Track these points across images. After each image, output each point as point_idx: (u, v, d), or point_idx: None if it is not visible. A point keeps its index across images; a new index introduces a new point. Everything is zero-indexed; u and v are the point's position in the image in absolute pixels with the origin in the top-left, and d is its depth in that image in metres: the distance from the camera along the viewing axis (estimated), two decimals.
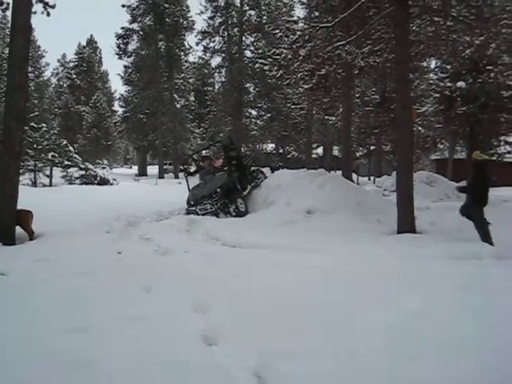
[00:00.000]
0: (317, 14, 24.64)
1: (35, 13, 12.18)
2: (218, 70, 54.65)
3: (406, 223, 11.99)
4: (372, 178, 43.82)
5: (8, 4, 13.14)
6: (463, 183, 12.28)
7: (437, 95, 26.12)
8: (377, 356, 4.35)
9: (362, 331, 4.89)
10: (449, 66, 25.06)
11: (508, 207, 21.24)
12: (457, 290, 6.24)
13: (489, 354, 4.31)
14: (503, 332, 4.85)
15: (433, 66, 29.91)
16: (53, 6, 13.64)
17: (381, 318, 5.22)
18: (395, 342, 4.61)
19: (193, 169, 19.35)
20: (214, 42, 51.78)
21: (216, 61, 53.34)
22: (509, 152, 28.60)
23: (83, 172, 35.28)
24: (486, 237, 10.52)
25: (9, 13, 12.23)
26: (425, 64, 28.46)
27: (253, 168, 17.73)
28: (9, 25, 14.79)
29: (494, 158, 29.23)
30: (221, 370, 4.11)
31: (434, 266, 7.72)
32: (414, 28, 15.34)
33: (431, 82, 29.19)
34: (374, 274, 7.26)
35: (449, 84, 24.43)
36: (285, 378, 3.98)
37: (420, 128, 34.28)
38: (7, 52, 11.46)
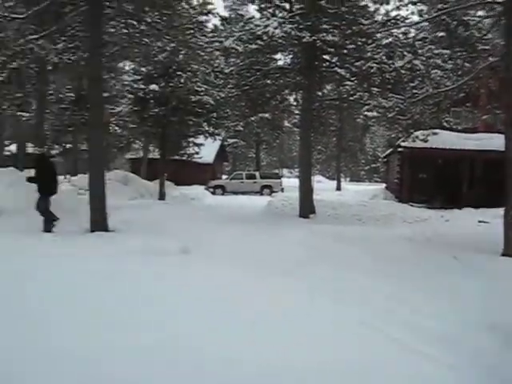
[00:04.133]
0: (11, 3, 23.46)
1: None
2: None
3: (99, 221, 12.15)
4: (68, 176, 43.01)
5: None
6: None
7: (131, 96, 26.76)
8: None
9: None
10: (143, 69, 25.79)
11: (195, 204, 22.92)
12: (142, 284, 6.52)
13: None
14: None
15: (128, 67, 30.54)
16: None
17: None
18: None
19: None
20: None
21: None
22: (197, 153, 30.75)
23: None
24: (48, 226, 11.85)
25: None
26: (121, 65, 28.94)
27: None
28: None
29: (185, 158, 31.10)
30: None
31: (123, 263, 7.88)
32: (111, 29, 15.49)
33: (126, 83, 29.74)
34: (62, 274, 7.18)
35: (142, 86, 25.16)
36: None
37: (116, 128, 34.66)
38: None
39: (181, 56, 18.89)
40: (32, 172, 12.57)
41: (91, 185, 12.61)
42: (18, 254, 8.08)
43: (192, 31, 15.11)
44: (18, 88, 22.81)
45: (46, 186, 12.09)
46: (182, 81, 23.55)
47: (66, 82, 33.36)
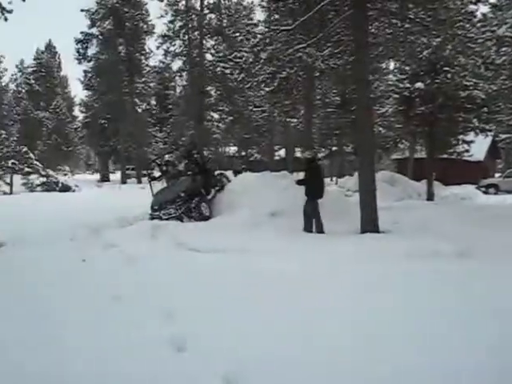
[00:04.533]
0: (277, 16, 24.76)
1: None
2: (179, 74, 54.39)
3: (369, 223, 12.12)
4: (334, 178, 44.12)
5: None
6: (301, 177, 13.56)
7: (396, 96, 26.42)
8: (352, 355, 4.40)
9: (334, 331, 4.93)
10: (407, 68, 25.35)
11: (466, 205, 21.68)
12: (421, 288, 6.35)
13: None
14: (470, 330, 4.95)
15: (392, 67, 30.31)
16: (10, 11, 13.40)
17: (350, 318, 5.27)
18: (369, 342, 4.67)
19: (156, 173, 19.21)
20: (174, 45, 51.53)
21: (177, 64, 53.26)
22: (467, 151, 29.08)
23: (44, 179, 34.85)
24: (308, 226, 12.34)
25: None
26: (384, 65, 28.85)
27: (216, 172, 17.71)
28: None
29: (453, 156, 29.78)
30: (190, 377, 4.10)
31: (397, 265, 7.81)
32: (373, 30, 15.50)
33: (390, 83, 29.52)
34: (339, 274, 7.32)
35: (407, 85, 24.72)
36: (255, 381, 3.99)
37: (381, 128, 34.65)
38: None
39: (447, 50, 18.17)
40: (301, 175, 13.12)
41: (361, 186, 12.68)
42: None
43: (460, 23, 14.43)
44: (287, 96, 23.87)
45: (314, 189, 12.51)
46: (449, 76, 22.65)
47: (331, 87, 34.25)
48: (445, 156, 29.50)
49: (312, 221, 12.36)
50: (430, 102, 23.21)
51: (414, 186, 27.76)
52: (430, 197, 24.62)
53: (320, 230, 12.26)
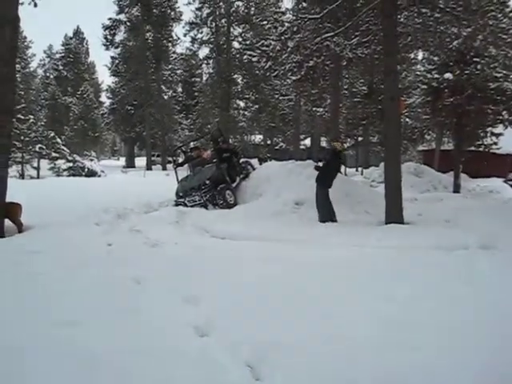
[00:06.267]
0: (304, 5, 24.61)
1: (22, 4, 12.04)
2: (205, 61, 54.45)
3: (394, 214, 12.04)
4: (360, 169, 43.91)
5: None
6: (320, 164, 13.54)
7: (424, 86, 26.10)
8: (372, 345, 4.42)
9: (354, 320, 4.95)
10: (436, 58, 25.02)
11: (494, 198, 21.43)
12: (445, 280, 6.33)
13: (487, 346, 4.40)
14: (492, 322, 4.94)
15: (420, 57, 29.94)
16: None
17: (371, 308, 5.28)
18: (389, 331, 4.68)
19: (181, 160, 19.31)
20: (201, 33, 51.65)
21: (204, 52, 53.46)
22: (495, 143, 28.65)
23: (71, 164, 35.21)
24: (324, 216, 12.13)
25: None
26: (412, 55, 28.48)
27: (241, 159, 17.74)
28: None
29: (481, 149, 29.38)
30: (213, 362, 4.14)
31: (423, 256, 7.80)
32: (402, 20, 15.34)
33: (419, 73, 29.17)
34: (362, 264, 7.33)
35: (436, 75, 24.42)
36: (277, 367, 4.02)
37: (407, 119, 34.34)
38: None
39: (478, 41, 17.90)
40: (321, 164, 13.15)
41: (387, 177, 12.59)
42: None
43: (492, 13, 14.22)
44: (313, 85, 23.75)
45: (330, 179, 12.51)
46: (479, 67, 22.34)
47: (359, 76, 34.04)
48: (472, 148, 29.11)
49: (328, 210, 12.29)
50: (458, 94, 22.90)
51: (440, 177, 27.47)
52: (457, 189, 24.34)
53: (333, 218, 12.22)
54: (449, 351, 4.27)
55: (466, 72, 22.75)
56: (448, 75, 23.45)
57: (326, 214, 12.21)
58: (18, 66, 54.92)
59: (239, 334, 4.61)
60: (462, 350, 4.29)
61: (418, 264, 7.29)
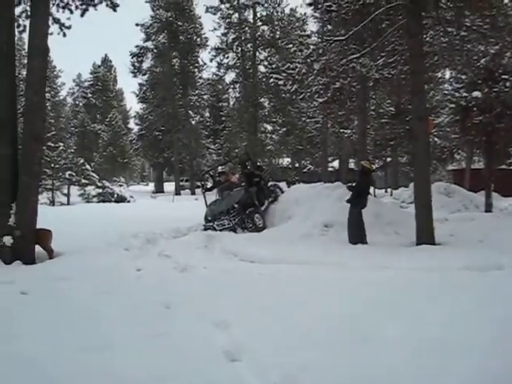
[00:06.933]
0: (330, 27, 24.70)
1: (51, 34, 12.30)
2: (232, 86, 54.88)
3: (425, 235, 11.92)
4: (389, 190, 43.61)
5: (25, 26, 13.30)
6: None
7: (452, 105, 25.88)
8: (408, 371, 4.33)
9: (387, 344, 4.87)
10: (464, 76, 24.84)
11: None
12: (479, 302, 6.21)
13: None
14: None
15: (448, 76, 29.74)
16: (69, 27, 13.78)
17: (403, 331, 5.19)
18: (424, 357, 4.58)
19: (209, 185, 19.40)
20: (227, 58, 52.14)
21: (230, 77, 53.70)
22: None
23: (100, 190, 35.60)
24: (355, 237, 12.02)
25: (25, 35, 12.40)
26: (439, 74, 28.35)
27: (270, 183, 17.75)
28: (25, 46, 14.87)
29: None
30: None
31: (456, 278, 7.67)
32: (428, 39, 15.33)
33: (446, 92, 28.97)
34: (393, 286, 7.24)
35: (464, 94, 24.22)
36: None
37: (436, 139, 34.08)
38: (24, 73, 11.54)
39: (506, 58, 17.80)
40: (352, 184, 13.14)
41: (417, 197, 12.50)
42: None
43: None
44: (340, 106, 23.75)
45: (363, 198, 12.45)
46: (508, 84, 22.10)
47: (386, 97, 33.94)
48: (503, 166, 28.77)
49: (359, 230, 12.20)
50: (487, 112, 22.64)
51: (471, 197, 27.11)
52: (488, 208, 23.97)
53: (364, 240, 12.12)
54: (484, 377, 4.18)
55: (495, 90, 22.51)
56: (476, 93, 23.24)
57: (357, 235, 12.12)
58: (47, 94, 55.99)
59: (269, 358, 4.57)
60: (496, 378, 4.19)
61: (451, 285, 7.17)
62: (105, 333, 5.38)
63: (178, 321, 5.78)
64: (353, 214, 12.31)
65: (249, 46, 51.66)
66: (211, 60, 53.08)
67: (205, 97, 60.67)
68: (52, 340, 5.19)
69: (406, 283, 7.48)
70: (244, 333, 5.26)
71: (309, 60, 16.64)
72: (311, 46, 16.99)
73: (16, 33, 12.05)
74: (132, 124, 72.00)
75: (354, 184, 13.29)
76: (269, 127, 55.97)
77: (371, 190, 14.59)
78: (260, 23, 51.15)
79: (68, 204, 33.15)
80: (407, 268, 8.72)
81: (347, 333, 5.21)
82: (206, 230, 14.97)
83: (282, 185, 19.60)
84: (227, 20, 51.11)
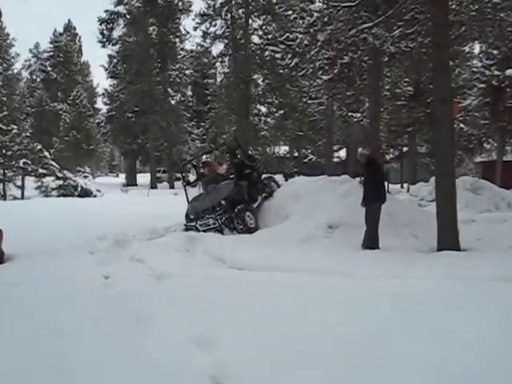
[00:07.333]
0: None
1: None
2: (220, 59, 54.85)
3: (448, 239, 11.95)
4: (405, 185, 43.69)
5: None
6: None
7: (482, 86, 26.02)
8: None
9: (403, 365, 4.86)
10: (496, 51, 24.97)
11: None
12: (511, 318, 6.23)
13: None
14: None
15: (477, 50, 29.85)
16: None
17: (425, 353, 5.19)
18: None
19: (192, 177, 19.43)
20: (214, 26, 52.05)
21: (218, 48, 53.78)
22: None
23: (61, 182, 35.38)
24: (372, 240, 12.11)
25: None
26: (467, 49, 28.43)
27: (264, 175, 17.74)
28: None
29: None
30: None
31: (484, 290, 7.68)
32: (454, 6, 15.35)
33: (475, 69, 29.12)
34: (411, 299, 7.24)
35: (496, 72, 24.34)
36: None
37: (462, 125, 34.16)
38: None
39: None
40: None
41: (439, 194, 12.50)
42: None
43: None
44: (348, 85, 23.77)
45: (372, 192, 12.52)
46: None
47: (403, 75, 33.97)
48: None
49: (376, 233, 12.20)
50: None
51: (503, 194, 27.15)
52: None
53: (376, 244, 12.12)
54: None
55: None
56: (510, 72, 23.33)
57: (375, 236, 12.13)
58: None
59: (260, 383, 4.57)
60: None
61: (477, 298, 7.17)
62: (62, 350, 5.36)
63: (151, 337, 5.76)
64: (370, 212, 12.30)
65: (240, 11, 51.57)
66: (195, 28, 53.08)
67: (187, 72, 60.49)
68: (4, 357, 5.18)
69: (425, 294, 7.48)
70: (231, 351, 5.26)
71: (312, 29, 16.63)
72: (315, 13, 16.93)
73: None
74: (100, 103, 72.00)
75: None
76: (263, 109, 55.94)
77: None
78: None
79: (22, 198, 33.02)
80: (426, 277, 8.72)
81: (353, 354, 5.19)
82: (187, 230, 14.99)
83: (279, 178, 19.62)
84: None
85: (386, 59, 20.45)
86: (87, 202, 29.77)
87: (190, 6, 56.35)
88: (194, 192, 17.69)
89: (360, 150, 18.24)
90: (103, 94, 64.69)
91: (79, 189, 35.27)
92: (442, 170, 12.57)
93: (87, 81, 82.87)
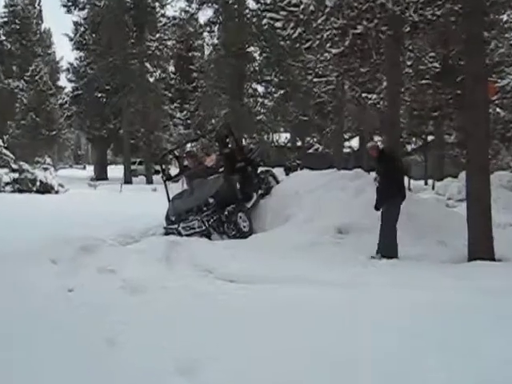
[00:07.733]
0: None
1: None
2: (208, 29, 54.66)
3: (481, 246, 11.93)
4: (430, 181, 43.77)
5: None
6: None
7: None
8: None
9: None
10: None
11: None
12: None
13: None
14: None
15: None
16: None
17: (456, 369, 5.22)
18: None
19: (174, 170, 19.44)
20: None
21: (206, 15, 53.59)
22: None
23: (16, 175, 35.34)
24: (391, 247, 12.06)
25: None
26: (505, 17, 28.46)
27: (260, 169, 17.73)
28: None
29: None
30: None
31: None
32: None
33: None
34: (437, 313, 7.26)
35: None
36: None
37: (498, 109, 34.19)
38: None
39: None
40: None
41: (470, 193, 12.47)
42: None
43: None
44: (362, 60, 23.78)
45: (389, 189, 12.50)
46: None
47: (428, 49, 34.00)
48: None
49: (394, 239, 12.16)
50: None
51: None
52: None
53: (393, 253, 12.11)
54: None
55: None
56: None
57: (394, 243, 12.09)
58: None
59: None
60: None
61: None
62: (19, 376, 5.36)
63: (123, 360, 5.77)
64: (389, 212, 12.29)
65: None
66: None
67: (169, 43, 60.29)
68: None
69: (453, 309, 7.49)
70: (215, 378, 5.27)
71: None
72: None
73: None
74: (64, 81, 71.93)
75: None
76: (260, 88, 55.96)
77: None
78: None
79: None
80: (454, 289, 8.72)
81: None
82: (167, 234, 14.99)
83: (278, 171, 19.65)
84: None
85: (408, 29, 20.43)
86: (48, 199, 29.82)
87: None
88: (176, 188, 17.69)
89: (376, 139, 18.12)
90: (68, 69, 64.49)
91: (38, 183, 35.26)
92: (473, 164, 12.53)
93: (49, 53, 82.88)
